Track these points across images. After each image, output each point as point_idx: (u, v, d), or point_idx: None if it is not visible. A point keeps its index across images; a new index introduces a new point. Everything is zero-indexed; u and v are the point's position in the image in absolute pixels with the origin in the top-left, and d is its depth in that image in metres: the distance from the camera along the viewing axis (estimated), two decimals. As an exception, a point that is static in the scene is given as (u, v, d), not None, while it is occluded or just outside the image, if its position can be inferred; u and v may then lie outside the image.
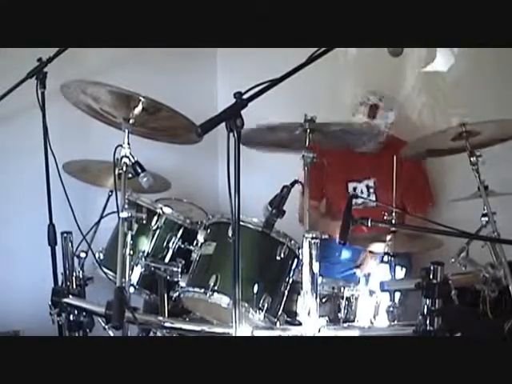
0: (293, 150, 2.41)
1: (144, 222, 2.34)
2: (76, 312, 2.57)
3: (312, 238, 2.15)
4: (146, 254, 2.61)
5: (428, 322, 2.15)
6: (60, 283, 2.70)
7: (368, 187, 3.39)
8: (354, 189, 3.41)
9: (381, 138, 2.44)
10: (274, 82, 1.83)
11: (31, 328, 2.91)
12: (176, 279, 2.55)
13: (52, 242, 2.75)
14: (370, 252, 2.96)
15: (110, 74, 3.12)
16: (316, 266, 2.15)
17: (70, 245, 2.66)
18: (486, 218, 2.39)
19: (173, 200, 2.97)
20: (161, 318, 2.52)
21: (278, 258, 2.39)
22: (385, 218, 2.60)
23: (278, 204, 2.30)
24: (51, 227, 2.76)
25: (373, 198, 3.37)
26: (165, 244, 2.66)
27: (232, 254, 1.80)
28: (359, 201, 3.32)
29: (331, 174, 3.39)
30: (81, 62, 3.13)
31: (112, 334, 2.53)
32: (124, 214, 2.15)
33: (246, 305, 2.30)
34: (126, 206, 2.18)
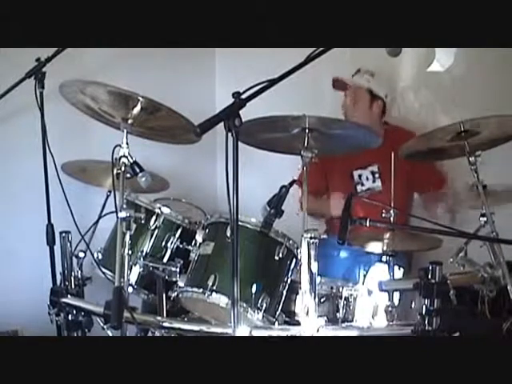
0: (291, 150, 2.41)
1: (142, 221, 2.35)
2: (75, 312, 2.56)
3: (310, 238, 2.15)
4: (144, 254, 2.62)
5: (426, 321, 2.15)
6: (58, 283, 2.70)
7: (373, 173, 3.41)
8: (360, 176, 3.42)
9: (379, 142, 2.44)
10: (272, 82, 1.83)
11: (30, 328, 2.91)
12: (174, 279, 2.55)
13: (50, 242, 2.75)
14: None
15: (108, 73, 3.11)
16: (314, 266, 2.15)
17: (68, 245, 2.65)
18: (485, 218, 2.39)
19: (171, 200, 2.97)
20: (159, 318, 2.52)
21: (276, 257, 2.39)
22: (383, 215, 2.61)
23: (276, 204, 2.30)
24: (50, 227, 2.76)
25: (378, 183, 3.40)
26: (163, 244, 2.66)
27: (230, 253, 1.80)
28: (364, 188, 3.38)
29: (335, 166, 3.39)
30: (79, 62, 3.13)
31: (111, 334, 2.52)
32: (122, 214, 2.14)
33: (245, 305, 2.30)
34: (125, 206, 2.18)
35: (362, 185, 3.42)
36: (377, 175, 3.41)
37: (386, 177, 3.31)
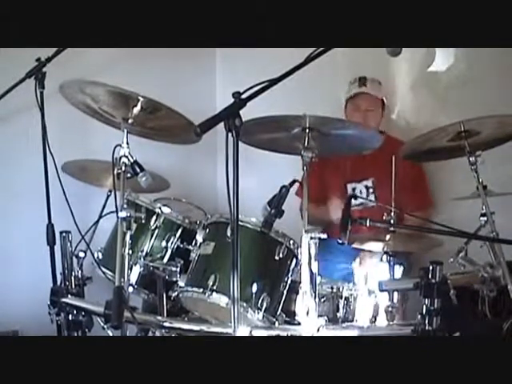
0: (291, 150, 2.40)
1: (143, 221, 2.34)
2: (75, 312, 2.56)
3: (311, 238, 2.15)
4: (144, 254, 2.62)
5: (427, 321, 2.15)
6: (59, 283, 2.70)
7: (367, 187, 3.40)
8: (353, 189, 3.41)
9: (379, 142, 2.44)
10: (272, 82, 1.83)
11: (30, 328, 2.91)
12: (175, 279, 2.55)
13: (51, 242, 2.75)
14: (369, 251, 2.95)
15: (108, 73, 3.11)
16: (315, 266, 2.15)
17: (68, 244, 2.65)
18: (485, 218, 2.39)
19: (172, 200, 2.96)
20: (160, 318, 2.52)
21: (276, 257, 2.39)
22: (384, 217, 2.60)
23: (276, 204, 2.30)
24: (50, 227, 2.75)
25: (372, 198, 3.37)
26: (163, 244, 2.66)
27: (231, 253, 1.80)
28: (358, 202, 3.33)
29: (330, 176, 3.39)
30: (80, 62, 3.13)
31: (111, 334, 2.53)
32: (123, 214, 2.15)
33: (245, 304, 2.30)
34: (125, 206, 2.17)
35: (355, 199, 3.39)
36: (371, 190, 3.40)
37: (380, 192, 3.31)
